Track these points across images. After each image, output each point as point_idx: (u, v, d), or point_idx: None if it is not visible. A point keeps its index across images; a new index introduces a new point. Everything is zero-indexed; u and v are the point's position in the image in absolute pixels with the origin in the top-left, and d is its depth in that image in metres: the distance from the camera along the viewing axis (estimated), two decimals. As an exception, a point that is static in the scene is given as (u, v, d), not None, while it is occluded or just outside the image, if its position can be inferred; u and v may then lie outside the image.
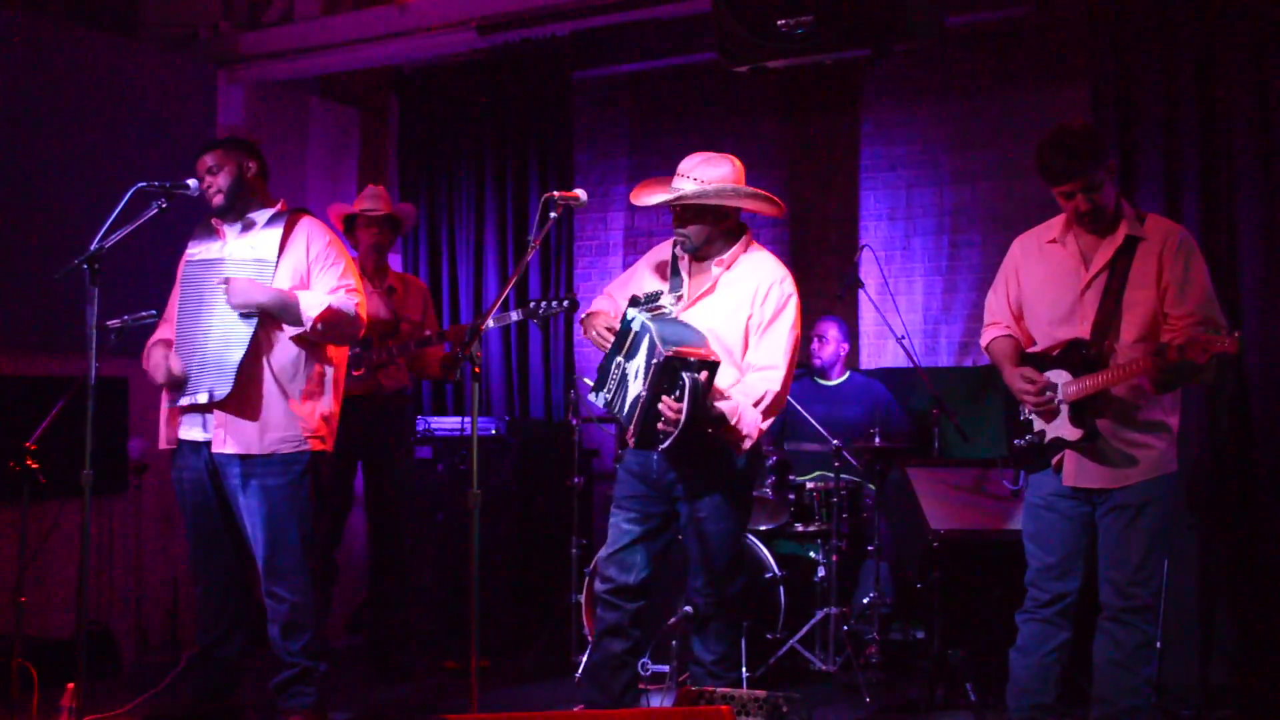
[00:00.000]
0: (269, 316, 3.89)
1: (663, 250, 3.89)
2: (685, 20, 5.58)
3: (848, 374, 5.63)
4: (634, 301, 3.70)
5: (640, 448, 3.53)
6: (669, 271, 3.80)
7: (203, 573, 4.08)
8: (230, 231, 4.05)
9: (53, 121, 5.29)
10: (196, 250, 4.08)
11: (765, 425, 3.59)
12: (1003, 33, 5.73)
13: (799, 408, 5.15)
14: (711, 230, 3.67)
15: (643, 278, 3.88)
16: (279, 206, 4.08)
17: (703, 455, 3.58)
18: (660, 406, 3.36)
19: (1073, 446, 3.52)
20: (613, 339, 3.68)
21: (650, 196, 3.72)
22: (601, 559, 3.80)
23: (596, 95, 6.61)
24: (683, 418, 3.33)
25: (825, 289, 5.95)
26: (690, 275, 3.75)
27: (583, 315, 3.90)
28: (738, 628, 3.81)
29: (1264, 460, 4.44)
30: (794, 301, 3.68)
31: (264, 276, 3.92)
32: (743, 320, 3.63)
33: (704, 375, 3.34)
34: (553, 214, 3.53)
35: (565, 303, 4.75)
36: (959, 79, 5.90)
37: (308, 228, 4.03)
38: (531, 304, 4.82)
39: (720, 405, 3.47)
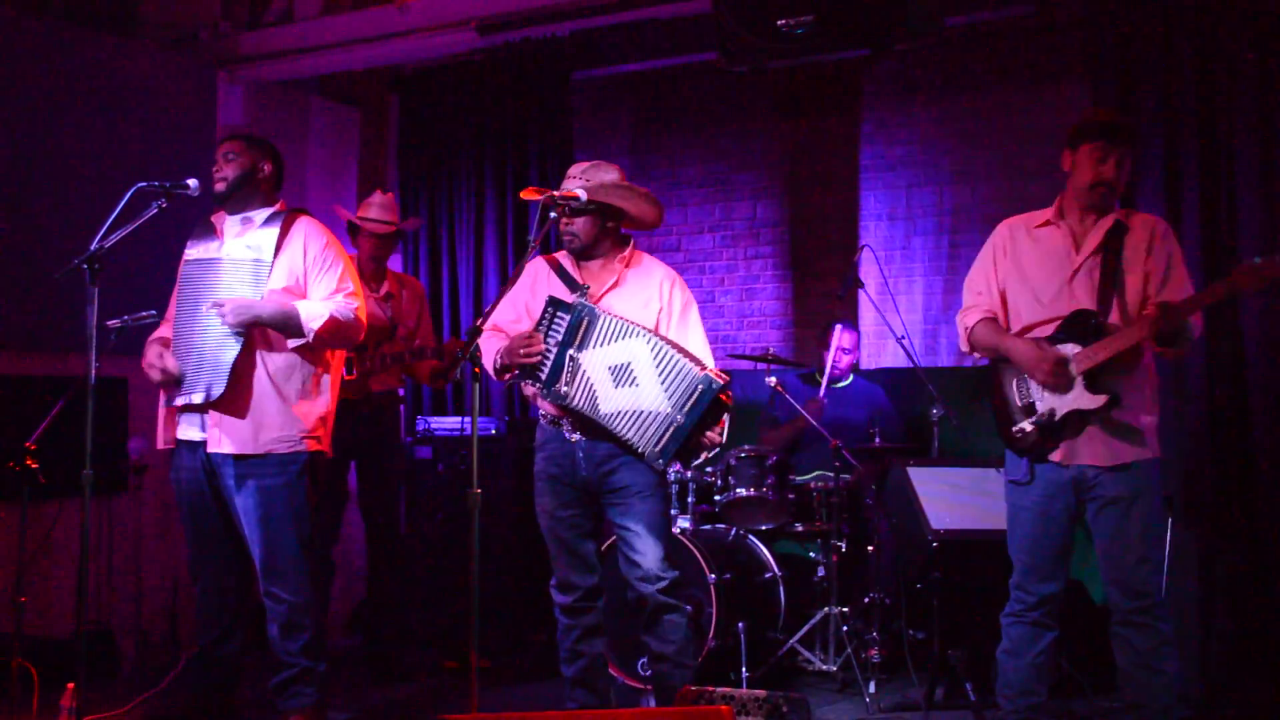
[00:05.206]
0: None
1: (538, 266, 3.91)
2: (685, 20, 5.57)
3: (851, 377, 5.63)
4: (554, 302, 3.69)
5: (679, 459, 3.64)
6: (561, 279, 3.83)
7: (201, 572, 4.07)
8: (228, 230, 4.04)
9: (53, 121, 5.28)
10: (194, 250, 4.06)
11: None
12: (1003, 33, 5.73)
13: (800, 408, 5.15)
14: (599, 230, 3.77)
15: (529, 293, 3.86)
16: (278, 206, 4.08)
17: (623, 446, 3.66)
18: (707, 436, 3.58)
19: (1091, 418, 3.51)
20: (550, 351, 3.64)
21: (538, 195, 3.75)
22: (559, 573, 3.87)
23: (596, 95, 6.60)
24: (723, 440, 3.62)
25: (825, 289, 5.96)
26: (584, 276, 3.81)
27: (495, 362, 3.74)
28: (686, 613, 3.84)
29: (1264, 459, 4.43)
30: (692, 299, 3.91)
31: (260, 276, 3.91)
32: (654, 311, 3.77)
33: (728, 397, 3.57)
34: (552, 214, 3.54)
35: None
36: (959, 79, 5.90)
37: (305, 228, 4.02)
38: None
39: None
